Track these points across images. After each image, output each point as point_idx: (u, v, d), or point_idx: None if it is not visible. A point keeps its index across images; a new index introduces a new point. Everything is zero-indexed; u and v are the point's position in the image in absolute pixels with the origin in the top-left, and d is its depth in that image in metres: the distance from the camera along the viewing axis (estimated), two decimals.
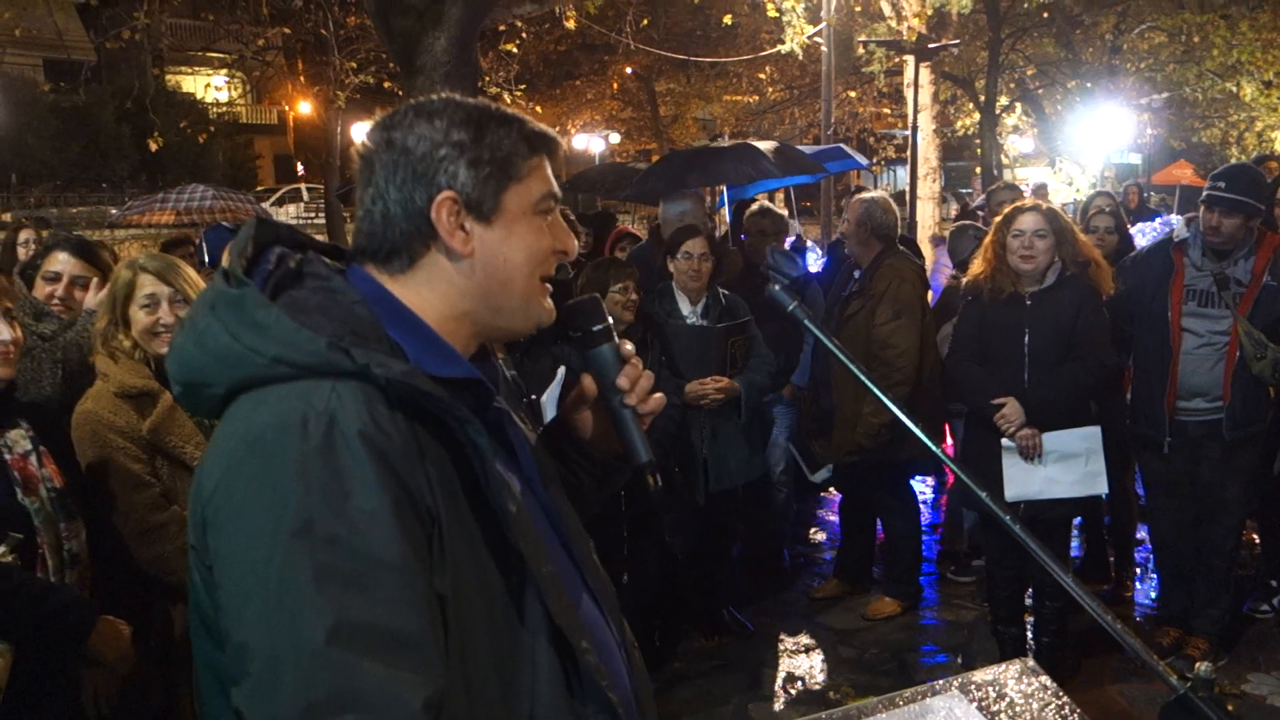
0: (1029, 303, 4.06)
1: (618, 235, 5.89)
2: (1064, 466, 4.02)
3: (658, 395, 1.54)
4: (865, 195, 5.25)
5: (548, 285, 1.42)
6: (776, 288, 1.59)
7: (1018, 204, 4.23)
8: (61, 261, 3.55)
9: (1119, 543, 5.56)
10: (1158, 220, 7.49)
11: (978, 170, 24.95)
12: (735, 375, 4.72)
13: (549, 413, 3.76)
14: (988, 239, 4.17)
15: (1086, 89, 21.87)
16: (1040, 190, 16.75)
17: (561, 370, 3.96)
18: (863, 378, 1.52)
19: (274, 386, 1.19)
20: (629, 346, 1.53)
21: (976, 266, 4.18)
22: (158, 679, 2.73)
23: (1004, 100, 23.86)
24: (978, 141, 23.54)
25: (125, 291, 2.81)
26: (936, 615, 5.36)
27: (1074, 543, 5.92)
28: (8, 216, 20.69)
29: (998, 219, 4.17)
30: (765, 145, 7.61)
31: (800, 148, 8.11)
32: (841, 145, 7.03)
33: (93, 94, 25.82)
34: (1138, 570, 5.64)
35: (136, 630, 2.61)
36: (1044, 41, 22.70)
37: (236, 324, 1.21)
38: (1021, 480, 4.04)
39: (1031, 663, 1.85)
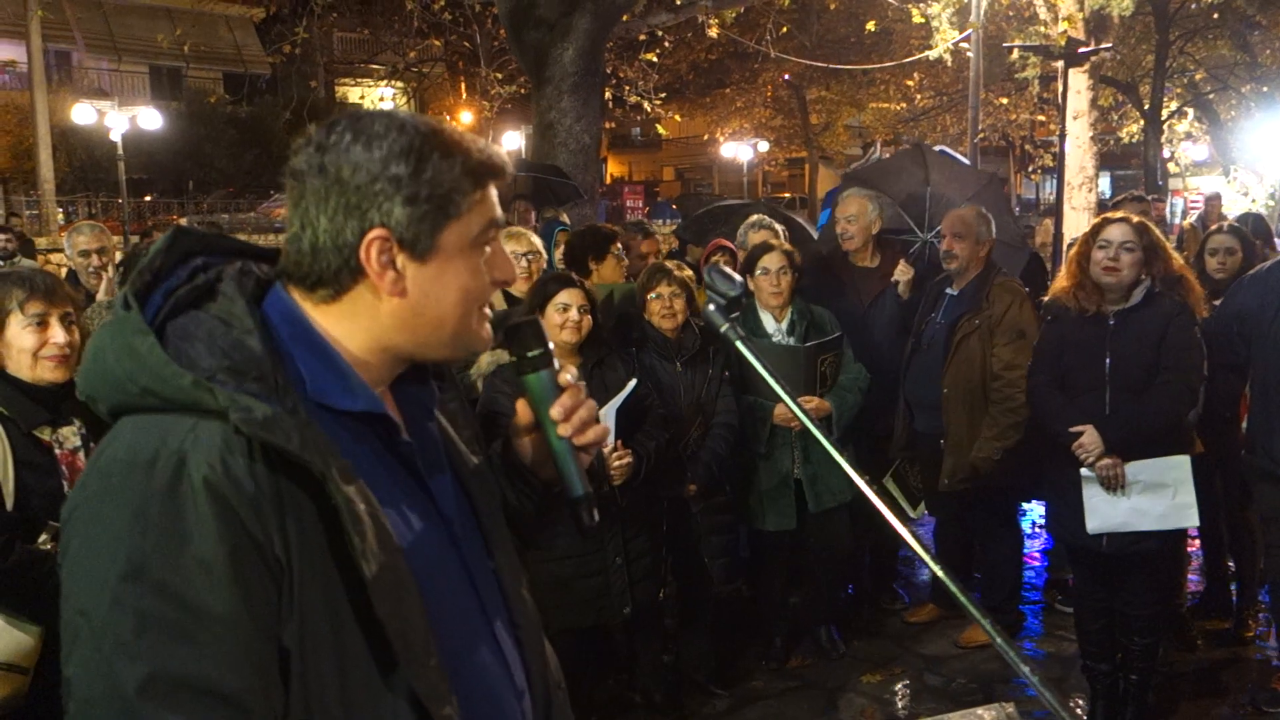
0: (1112, 323, 3.82)
1: (714, 248, 5.82)
2: (1150, 497, 3.77)
3: (598, 428, 1.47)
4: (966, 208, 4.99)
5: (487, 312, 1.37)
6: (711, 307, 1.54)
7: (1106, 214, 3.98)
8: None
9: (1241, 581, 5.19)
10: None
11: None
12: (825, 394, 4.60)
13: (608, 426, 3.74)
14: (1072, 252, 3.94)
15: (1264, 94, 20.55)
16: (1214, 200, 15.85)
17: (631, 383, 3.95)
18: (794, 407, 1.46)
19: (142, 416, 1.16)
20: (568, 375, 1.47)
21: (1059, 282, 3.96)
22: None
23: (1173, 106, 22.66)
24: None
25: None
26: (1036, 646, 5.13)
27: (1193, 578, 5.58)
28: (183, 221, 22.06)
29: (1085, 230, 3.94)
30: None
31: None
32: (946, 149, 6.61)
33: (266, 105, 27.32)
34: (1263, 610, 5.26)
35: None
36: (1217, 44, 21.45)
37: (117, 347, 1.18)
38: (1105, 512, 3.80)
39: (1011, 709, 1.75)
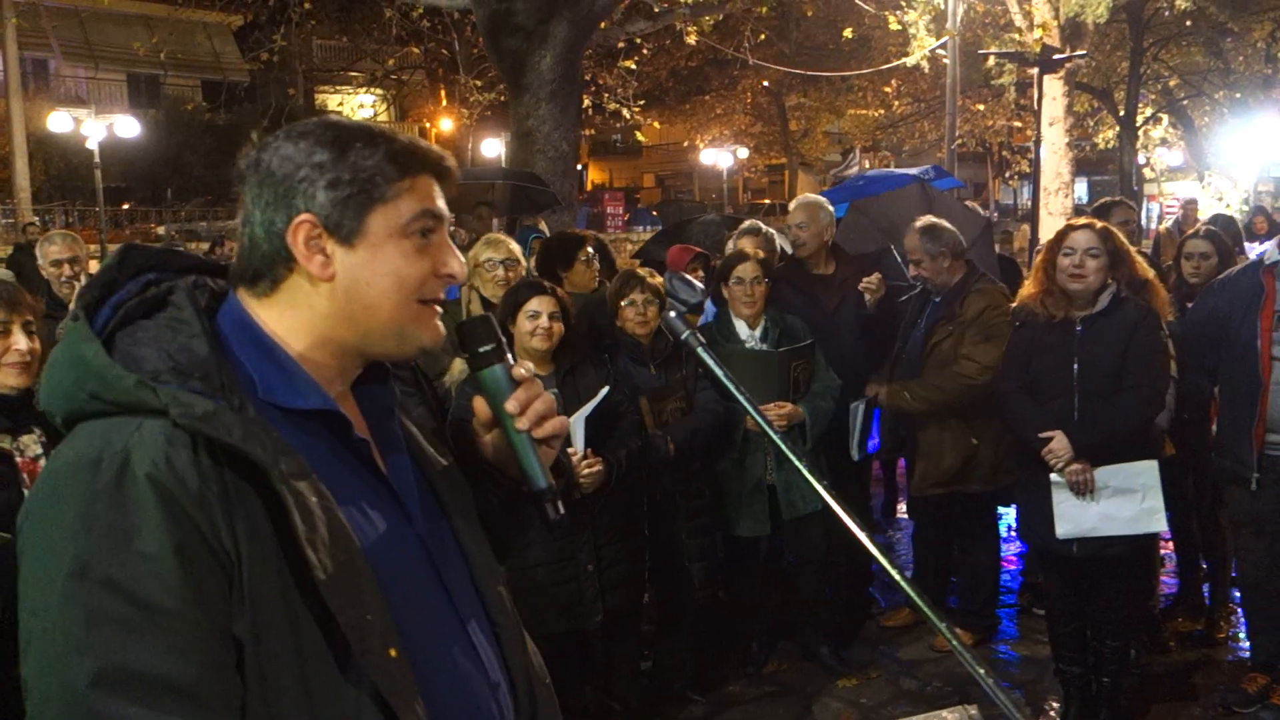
0: (1079, 329, 3.85)
1: (688, 255, 5.81)
2: (1119, 502, 3.80)
3: (556, 419, 1.47)
4: (928, 221, 4.97)
5: (436, 308, 1.37)
6: (672, 315, 1.55)
7: (1070, 221, 4.02)
8: None
9: (1213, 582, 5.24)
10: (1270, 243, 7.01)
11: None
12: (798, 400, 4.61)
13: (578, 433, 3.74)
14: (1038, 259, 3.97)
15: (1237, 99, 20.76)
16: (1190, 204, 15.99)
17: (603, 391, 3.95)
18: (753, 412, 1.47)
19: (91, 422, 1.19)
20: (523, 369, 1.46)
21: (1026, 288, 3.99)
22: None
23: (1147, 112, 22.85)
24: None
25: None
26: (1012, 649, 5.16)
27: (1168, 580, 5.63)
28: (160, 230, 21.93)
29: (1050, 238, 3.97)
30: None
31: (900, 170, 7.75)
32: (938, 166, 6.65)
33: (244, 113, 27.20)
34: (1235, 611, 5.30)
35: None
36: (1191, 50, 21.67)
37: (67, 357, 1.23)
38: (1074, 517, 3.83)
39: (974, 710, 1.76)
